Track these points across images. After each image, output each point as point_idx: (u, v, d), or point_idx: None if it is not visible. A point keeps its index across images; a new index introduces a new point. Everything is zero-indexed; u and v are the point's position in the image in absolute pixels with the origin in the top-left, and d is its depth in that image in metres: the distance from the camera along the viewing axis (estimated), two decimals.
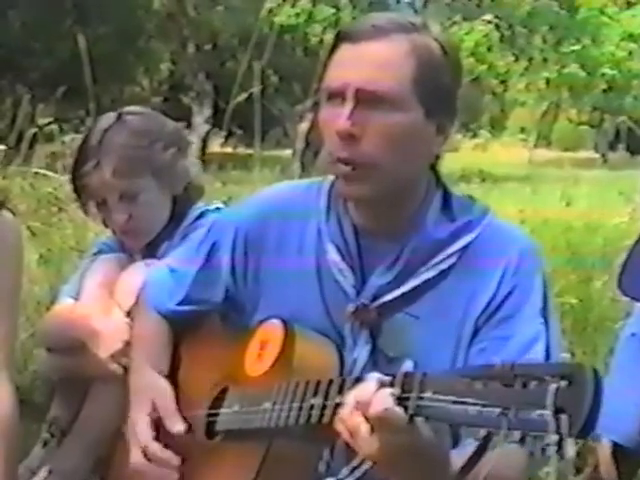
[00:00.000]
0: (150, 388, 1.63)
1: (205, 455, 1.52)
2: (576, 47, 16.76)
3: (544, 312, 1.44)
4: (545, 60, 16.83)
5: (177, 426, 1.57)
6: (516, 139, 21.33)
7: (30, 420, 1.99)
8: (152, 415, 1.59)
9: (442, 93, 1.43)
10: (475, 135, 22.68)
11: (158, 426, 1.60)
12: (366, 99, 1.38)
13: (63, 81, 5.74)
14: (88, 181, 1.96)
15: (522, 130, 21.43)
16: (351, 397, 1.22)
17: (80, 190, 2.01)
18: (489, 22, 14.10)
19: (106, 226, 2.06)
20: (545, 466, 1.48)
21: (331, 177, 1.55)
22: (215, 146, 15.23)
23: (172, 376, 1.67)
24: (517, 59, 16.77)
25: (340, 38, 1.44)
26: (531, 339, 1.40)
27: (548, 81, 17.21)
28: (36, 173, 4.35)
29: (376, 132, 1.39)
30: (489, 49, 15.64)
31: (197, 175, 2.12)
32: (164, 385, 1.64)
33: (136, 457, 1.58)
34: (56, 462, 1.88)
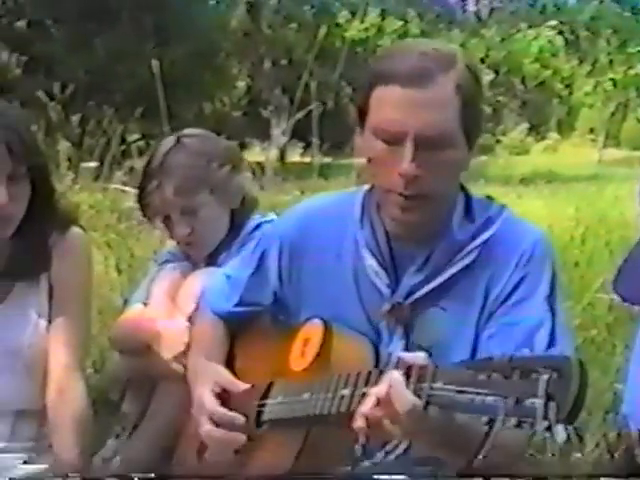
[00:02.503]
0: (211, 371, 1.77)
1: (253, 442, 1.66)
2: None
3: (550, 300, 1.56)
4: (611, 62, 16.65)
5: (242, 386, 1.70)
6: (586, 140, 21.03)
7: (106, 415, 2.17)
8: (215, 390, 1.72)
9: (478, 119, 1.58)
10: (544, 137, 22.52)
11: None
12: (424, 142, 1.51)
13: (145, 101, 5.98)
14: (152, 200, 2.13)
15: (591, 131, 21.10)
16: (372, 396, 1.36)
17: (145, 208, 2.18)
18: (553, 28, 14.05)
19: (171, 238, 2.22)
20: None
21: (364, 187, 1.70)
22: (295, 156, 15.49)
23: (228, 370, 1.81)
24: (581, 62, 16.65)
25: (384, 78, 1.53)
26: (536, 325, 1.52)
27: (615, 82, 17.00)
28: (124, 191, 4.57)
29: (435, 169, 1.52)
30: (553, 54, 15.56)
31: (251, 188, 2.28)
32: (221, 368, 1.78)
33: (206, 426, 1.69)
34: (127, 452, 2.04)
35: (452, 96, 1.51)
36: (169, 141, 2.15)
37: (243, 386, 1.71)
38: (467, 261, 1.59)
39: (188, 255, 2.21)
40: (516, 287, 1.57)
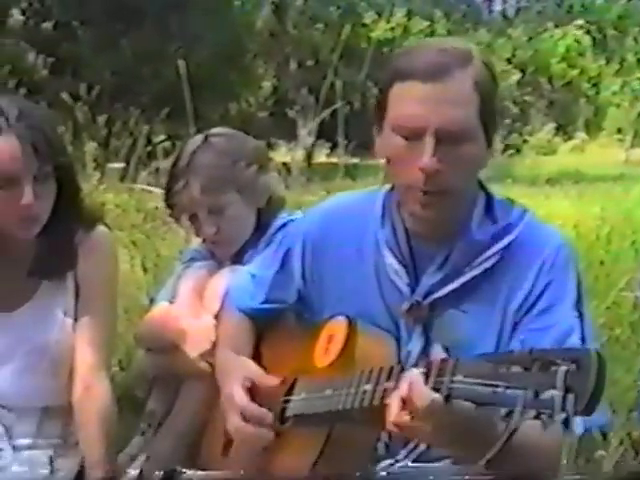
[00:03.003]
0: (240, 367, 1.77)
1: (277, 438, 1.67)
2: None
3: (579, 305, 1.55)
4: (639, 61, 16.56)
5: (273, 381, 1.70)
6: (613, 140, 20.91)
7: (132, 413, 2.19)
8: (245, 385, 1.72)
9: (495, 115, 1.58)
10: (571, 137, 22.44)
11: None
12: (444, 137, 1.50)
13: (171, 102, 6.02)
14: (179, 199, 2.14)
15: (619, 130, 20.97)
16: (395, 399, 1.35)
17: (172, 207, 2.19)
18: (580, 27, 13.98)
19: (198, 236, 2.23)
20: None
21: (385, 186, 1.70)
22: (321, 156, 15.53)
23: None
24: (608, 62, 16.55)
25: (402, 74, 1.54)
26: (566, 331, 1.51)
27: None
28: (150, 191, 4.60)
29: (455, 164, 1.52)
30: (581, 54, 15.48)
31: (278, 187, 2.28)
32: (251, 362, 1.78)
33: (235, 421, 1.69)
34: (152, 449, 2.04)
35: (471, 92, 1.52)
36: (196, 140, 2.17)
37: (273, 379, 1.70)
38: (488, 264, 1.58)
39: (214, 253, 2.22)
40: (542, 294, 1.56)
